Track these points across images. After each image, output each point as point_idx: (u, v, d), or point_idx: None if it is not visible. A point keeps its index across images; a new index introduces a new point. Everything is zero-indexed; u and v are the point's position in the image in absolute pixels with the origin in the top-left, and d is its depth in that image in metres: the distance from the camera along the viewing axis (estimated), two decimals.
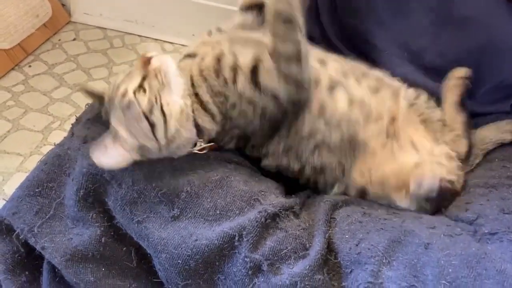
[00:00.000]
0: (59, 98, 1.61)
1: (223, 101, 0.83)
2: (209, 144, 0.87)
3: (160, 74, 0.79)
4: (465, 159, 0.94)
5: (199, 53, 0.88)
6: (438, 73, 0.95)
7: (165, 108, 0.78)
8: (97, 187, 0.81)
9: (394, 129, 0.91)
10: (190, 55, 0.90)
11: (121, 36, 1.94)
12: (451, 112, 0.95)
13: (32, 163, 1.37)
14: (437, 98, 0.96)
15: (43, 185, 0.86)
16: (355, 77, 0.90)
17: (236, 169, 0.88)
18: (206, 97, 0.82)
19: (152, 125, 0.77)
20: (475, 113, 0.96)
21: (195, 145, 0.85)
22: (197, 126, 0.83)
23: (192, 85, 0.84)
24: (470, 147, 0.94)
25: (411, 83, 0.96)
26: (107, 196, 0.81)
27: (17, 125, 1.49)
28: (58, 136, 1.46)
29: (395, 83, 0.95)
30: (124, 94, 0.77)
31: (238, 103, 0.83)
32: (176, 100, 0.80)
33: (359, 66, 0.93)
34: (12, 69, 1.71)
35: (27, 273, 0.89)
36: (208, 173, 0.84)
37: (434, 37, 0.91)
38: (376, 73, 0.94)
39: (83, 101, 1.57)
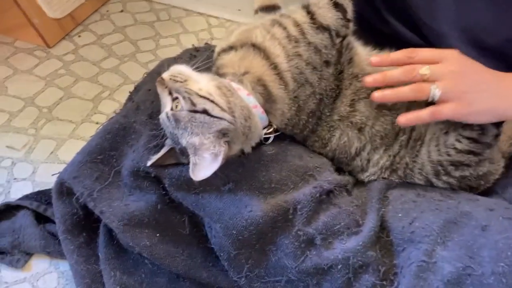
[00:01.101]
0: (108, 68, 1.64)
1: (298, 63, 0.82)
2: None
3: (176, 77, 0.79)
4: None
5: (243, 40, 0.86)
6: (500, 56, 0.92)
7: (201, 93, 0.77)
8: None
9: None
10: (227, 49, 0.88)
11: (167, 9, 1.95)
12: None
13: (83, 131, 1.41)
14: None
15: (105, 153, 0.88)
16: None
17: (291, 144, 0.89)
18: (284, 65, 0.82)
19: (204, 111, 0.76)
20: None
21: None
22: (268, 99, 0.83)
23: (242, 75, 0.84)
24: None
25: None
26: (162, 176, 0.83)
27: (68, 93, 1.53)
28: (107, 105, 1.49)
29: None
30: (168, 118, 0.77)
31: (309, 57, 0.82)
32: (206, 83, 0.79)
33: None
34: (63, 38, 1.74)
35: (84, 234, 0.93)
36: (264, 148, 0.85)
37: (490, 16, 0.88)
38: None
39: (132, 72, 1.62)
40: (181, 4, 1.96)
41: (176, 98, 0.77)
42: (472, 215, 0.74)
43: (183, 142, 0.76)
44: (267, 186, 0.81)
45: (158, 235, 0.85)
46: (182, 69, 0.81)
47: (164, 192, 0.85)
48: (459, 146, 0.82)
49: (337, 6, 0.83)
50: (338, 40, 0.84)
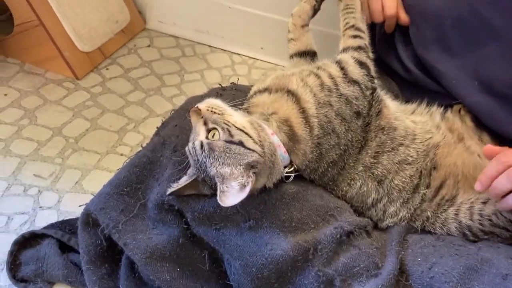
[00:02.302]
0: (133, 101, 1.69)
1: (328, 112, 0.86)
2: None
3: (214, 108, 0.82)
4: None
5: (279, 84, 0.91)
6: (507, 102, 0.94)
7: (237, 125, 0.80)
8: (177, 199, 0.85)
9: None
10: (262, 90, 0.93)
11: (193, 45, 2.01)
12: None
13: (107, 162, 1.44)
14: None
15: (131, 185, 0.91)
16: None
17: (311, 183, 0.91)
18: (313, 111, 0.86)
19: (240, 143, 0.79)
20: None
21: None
22: (292, 138, 0.86)
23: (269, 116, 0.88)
24: None
25: (481, 114, 0.97)
26: (185, 209, 0.85)
27: (94, 124, 1.57)
28: (132, 137, 1.53)
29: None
30: (202, 146, 0.79)
31: (340, 108, 0.86)
32: (240, 118, 0.83)
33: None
34: (91, 71, 1.80)
35: (106, 265, 0.95)
36: (285, 186, 0.87)
37: (506, 67, 0.91)
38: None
39: (157, 106, 1.67)
40: (206, 41, 2.02)
41: (213, 128, 0.80)
42: (493, 262, 0.74)
43: (212, 170, 0.78)
44: (287, 225, 0.82)
45: (178, 269, 0.86)
46: (218, 103, 0.85)
47: (186, 227, 0.87)
48: (495, 220, 0.83)
49: (362, 64, 0.90)
50: (368, 92, 0.89)
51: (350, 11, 0.97)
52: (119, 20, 1.94)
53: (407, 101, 1.04)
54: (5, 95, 1.65)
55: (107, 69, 1.83)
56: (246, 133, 0.80)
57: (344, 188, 0.90)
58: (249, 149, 0.78)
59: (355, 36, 0.94)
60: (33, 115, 1.58)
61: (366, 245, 0.82)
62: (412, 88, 1.03)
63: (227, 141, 0.78)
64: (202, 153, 0.79)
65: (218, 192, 0.77)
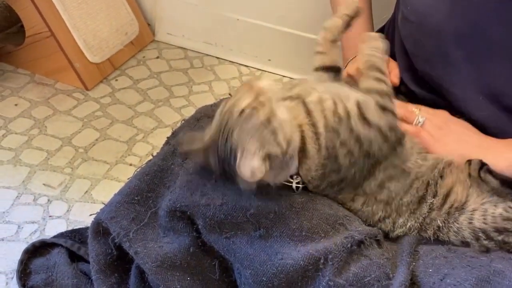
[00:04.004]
0: (142, 112, 1.70)
1: (333, 138, 0.84)
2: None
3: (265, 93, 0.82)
4: None
5: (298, 94, 0.90)
6: None
7: (278, 115, 0.80)
8: (189, 206, 0.85)
9: None
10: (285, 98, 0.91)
11: (201, 57, 2.03)
12: None
13: (117, 172, 1.45)
14: None
15: (142, 194, 0.91)
16: None
17: (319, 193, 0.91)
18: (321, 129, 0.85)
19: (272, 132, 0.79)
20: None
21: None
22: (302, 150, 0.85)
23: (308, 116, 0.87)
24: None
25: (490, 128, 0.97)
26: (196, 216, 0.85)
27: (104, 134, 1.59)
28: (141, 147, 1.54)
29: None
30: (241, 113, 0.79)
31: (347, 141, 0.84)
32: (284, 111, 0.83)
33: None
34: (101, 82, 1.82)
35: (116, 275, 0.95)
36: (294, 195, 0.87)
37: (507, 81, 0.91)
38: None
39: (165, 116, 1.69)
40: (214, 53, 2.04)
41: (255, 107, 0.80)
42: (505, 274, 0.74)
43: (235, 138, 0.78)
44: (298, 234, 0.82)
45: (188, 278, 0.86)
46: (272, 88, 0.85)
47: (197, 235, 0.87)
48: (505, 214, 0.83)
49: (385, 109, 0.86)
50: (393, 135, 0.86)
51: (374, 50, 0.94)
52: (128, 32, 1.96)
53: None
54: (16, 105, 1.67)
55: (116, 80, 1.85)
56: (282, 127, 0.80)
57: (348, 203, 0.90)
58: (277, 143, 0.78)
59: (379, 80, 0.90)
60: (43, 125, 1.60)
61: (377, 255, 0.81)
62: (417, 102, 1.03)
63: (263, 122, 0.78)
64: (236, 118, 0.78)
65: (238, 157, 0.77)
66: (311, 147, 0.85)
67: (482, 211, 0.84)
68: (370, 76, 0.91)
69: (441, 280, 0.75)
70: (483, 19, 0.89)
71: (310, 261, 0.78)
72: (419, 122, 0.97)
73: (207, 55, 2.03)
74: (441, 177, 0.88)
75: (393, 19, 1.19)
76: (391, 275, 0.78)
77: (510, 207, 0.83)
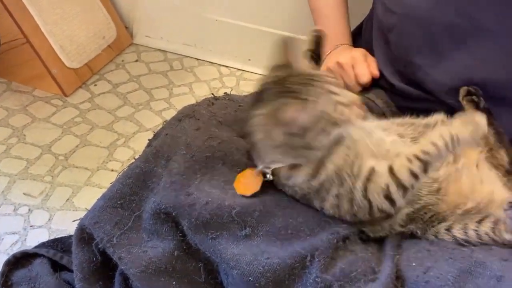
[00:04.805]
0: (123, 116, 1.68)
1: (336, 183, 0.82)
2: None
3: None
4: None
5: None
6: (503, 104, 0.95)
7: None
8: (174, 206, 0.84)
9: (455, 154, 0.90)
10: None
11: (180, 59, 2.01)
12: None
13: (98, 178, 1.43)
14: None
15: (125, 197, 0.90)
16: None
17: None
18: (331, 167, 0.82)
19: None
20: None
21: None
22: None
23: None
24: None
25: None
26: (182, 216, 0.84)
27: (84, 141, 1.56)
28: (123, 152, 1.53)
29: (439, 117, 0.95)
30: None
31: (342, 196, 0.82)
32: None
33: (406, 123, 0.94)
34: (80, 87, 1.80)
35: (101, 283, 0.93)
36: (279, 193, 0.87)
37: (499, 68, 0.91)
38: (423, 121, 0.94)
39: (146, 120, 1.67)
40: (193, 54, 2.03)
41: None
42: (486, 265, 0.74)
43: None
44: (283, 232, 0.82)
45: (174, 283, 0.85)
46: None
47: (181, 238, 0.86)
48: (492, 236, 0.81)
49: (388, 198, 0.81)
50: (378, 215, 0.82)
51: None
52: (106, 36, 1.94)
53: (398, 107, 1.05)
54: None
55: (95, 85, 1.83)
56: None
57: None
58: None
59: (426, 164, 0.80)
60: (21, 134, 1.57)
61: (362, 250, 0.81)
62: (401, 97, 1.03)
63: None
64: None
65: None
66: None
67: (463, 224, 0.83)
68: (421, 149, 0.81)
69: (424, 273, 0.76)
70: (471, 6, 0.90)
71: (296, 259, 0.78)
72: None
73: (187, 56, 2.02)
74: (429, 210, 0.86)
75: (372, 13, 1.19)
76: (376, 269, 0.79)
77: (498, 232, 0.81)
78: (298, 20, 1.78)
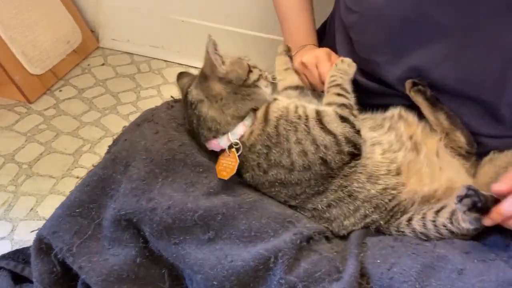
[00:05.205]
0: (89, 122, 1.65)
1: (290, 130, 0.88)
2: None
3: None
4: (471, 149, 0.96)
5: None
6: (460, 99, 0.95)
7: None
8: (135, 212, 0.83)
9: (415, 144, 0.95)
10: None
11: (148, 61, 1.99)
12: (430, 117, 0.97)
13: (64, 186, 1.40)
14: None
15: (84, 206, 0.88)
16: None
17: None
18: (276, 113, 0.90)
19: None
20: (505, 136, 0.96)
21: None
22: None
23: None
24: (467, 134, 0.96)
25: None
26: (143, 222, 0.83)
27: (49, 148, 1.53)
28: (88, 159, 1.49)
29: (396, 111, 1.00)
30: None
31: (303, 140, 0.86)
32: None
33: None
34: (44, 93, 1.76)
35: None
36: (242, 195, 0.86)
37: (457, 64, 0.92)
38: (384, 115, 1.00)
39: (113, 125, 1.64)
40: (161, 56, 2.00)
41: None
42: (448, 258, 0.75)
43: None
44: (247, 234, 0.81)
45: None
46: None
47: (144, 245, 0.85)
48: (450, 227, 0.82)
49: (344, 119, 0.89)
50: (347, 148, 0.87)
51: (340, 72, 0.99)
52: (70, 41, 1.91)
53: (362, 104, 1.05)
54: None
55: (60, 90, 1.79)
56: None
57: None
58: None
59: (339, 94, 0.94)
60: None
61: (326, 250, 0.81)
62: (365, 94, 1.03)
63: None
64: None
65: None
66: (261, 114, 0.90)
67: (421, 215, 0.85)
68: (332, 92, 0.96)
69: (389, 269, 0.76)
70: (427, 3, 0.90)
71: (260, 261, 0.77)
72: None
73: (154, 58, 2.00)
74: (392, 198, 0.88)
75: (334, 12, 1.20)
76: (341, 268, 0.78)
77: (456, 222, 0.82)
78: (264, 19, 1.78)
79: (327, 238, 0.85)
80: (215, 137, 0.90)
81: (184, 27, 1.93)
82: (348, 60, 1.01)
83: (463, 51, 0.89)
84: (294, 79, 1.10)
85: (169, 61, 1.99)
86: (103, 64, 1.95)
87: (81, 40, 1.96)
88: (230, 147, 0.90)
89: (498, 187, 0.75)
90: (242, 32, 1.87)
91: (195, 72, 0.99)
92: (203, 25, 1.90)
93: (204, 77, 0.92)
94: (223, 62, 0.92)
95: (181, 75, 1.03)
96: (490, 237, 0.82)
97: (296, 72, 1.12)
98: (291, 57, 1.15)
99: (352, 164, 0.88)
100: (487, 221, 0.76)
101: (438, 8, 0.88)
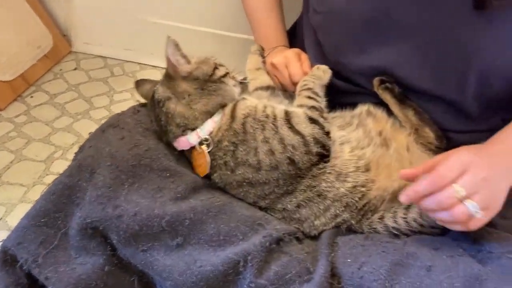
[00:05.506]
0: (61, 128, 1.62)
1: (258, 128, 0.87)
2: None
3: None
4: (441, 144, 0.96)
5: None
6: (426, 97, 0.96)
7: None
8: (101, 220, 0.81)
9: (385, 139, 0.95)
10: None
11: (121, 64, 1.97)
12: (399, 113, 0.97)
13: (35, 194, 1.37)
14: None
15: (49, 215, 0.86)
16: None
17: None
18: (239, 113, 0.90)
19: None
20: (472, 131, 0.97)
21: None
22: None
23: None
24: (436, 129, 0.96)
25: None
26: (110, 230, 0.81)
27: (19, 155, 1.50)
28: (61, 165, 1.47)
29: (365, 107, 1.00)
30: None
31: (270, 139, 0.86)
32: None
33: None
34: (15, 100, 1.72)
35: None
36: (211, 199, 0.85)
37: (420, 63, 0.92)
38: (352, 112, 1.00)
39: (85, 130, 1.61)
40: (134, 59, 1.99)
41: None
42: (417, 255, 0.75)
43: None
44: (216, 239, 0.80)
45: None
46: None
47: (112, 252, 0.83)
48: (420, 221, 0.82)
49: (313, 121, 0.90)
50: (315, 149, 0.87)
51: (313, 78, 1.00)
52: (41, 45, 1.88)
53: (332, 103, 1.05)
54: None
55: (31, 96, 1.76)
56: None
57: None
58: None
59: (310, 97, 0.95)
60: None
61: (296, 251, 0.80)
62: (334, 93, 1.03)
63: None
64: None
65: None
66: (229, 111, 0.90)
67: (392, 212, 0.85)
68: (303, 95, 0.96)
69: (359, 269, 0.75)
70: (387, 1, 0.89)
71: (229, 265, 0.76)
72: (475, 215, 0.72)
73: (128, 61, 1.98)
74: (362, 196, 0.88)
75: (303, 13, 1.19)
76: (311, 269, 0.78)
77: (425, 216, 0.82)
78: (237, 19, 1.77)
79: (298, 239, 0.84)
80: (184, 133, 0.90)
81: (157, 29, 1.91)
82: (324, 67, 1.02)
83: (425, 50, 0.89)
84: (265, 79, 1.10)
85: (142, 64, 1.97)
86: (75, 69, 1.92)
87: (53, 44, 1.93)
88: (201, 144, 0.89)
89: (404, 171, 0.77)
90: (215, 33, 1.86)
91: None
92: (176, 27, 1.88)
93: (169, 76, 0.92)
94: (188, 61, 0.91)
95: (140, 82, 1.03)
96: (457, 232, 0.81)
97: (268, 73, 1.12)
98: (263, 57, 1.14)
99: (320, 166, 0.88)
100: (402, 197, 0.75)
101: (400, 7, 0.88)
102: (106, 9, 1.94)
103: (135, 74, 1.91)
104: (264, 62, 1.14)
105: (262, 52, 1.15)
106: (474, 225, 0.72)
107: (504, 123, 0.84)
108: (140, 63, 1.96)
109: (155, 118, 0.93)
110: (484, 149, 0.78)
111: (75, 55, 2.00)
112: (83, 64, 1.95)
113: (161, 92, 0.92)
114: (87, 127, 1.62)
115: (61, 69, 1.91)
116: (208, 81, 0.92)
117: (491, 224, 0.81)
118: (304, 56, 1.10)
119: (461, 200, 0.71)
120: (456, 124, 0.97)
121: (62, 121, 1.65)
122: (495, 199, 0.73)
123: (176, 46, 0.91)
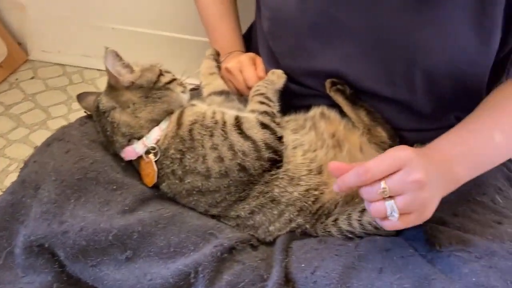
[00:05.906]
0: (16, 140, 1.58)
1: (205, 135, 0.86)
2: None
3: None
4: (394, 144, 0.95)
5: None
6: (377, 97, 0.96)
7: None
8: (46, 237, 0.79)
9: (338, 141, 0.94)
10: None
11: (80, 71, 1.92)
12: (351, 114, 0.97)
13: None
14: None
15: None
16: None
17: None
18: (186, 119, 0.88)
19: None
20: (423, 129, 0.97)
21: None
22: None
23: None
24: (388, 129, 0.97)
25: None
26: (56, 247, 0.79)
27: None
28: (15, 179, 1.42)
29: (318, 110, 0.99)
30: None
31: (219, 146, 0.84)
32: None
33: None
34: None
35: None
36: (160, 211, 0.83)
37: (367, 64, 0.92)
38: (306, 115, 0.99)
39: (42, 141, 1.55)
40: (94, 65, 1.95)
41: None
42: (368, 258, 0.74)
43: None
44: (166, 251, 0.78)
45: None
46: None
47: (60, 269, 0.80)
48: (376, 224, 0.79)
49: (264, 126, 0.88)
50: (267, 154, 0.86)
51: (266, 83, 0.99)
52: None
53: (287, 106, 1.04)
54: None
55: None
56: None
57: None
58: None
59: (262, 103, 0.94)
60: None
61: (250, 259, 0.79)
62: (288, 96, 1.02)
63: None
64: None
65: None
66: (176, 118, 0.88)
67: (347, 215, 0.83)
68: (256, 100, 0.95)
69: (312, 273, 0.75)
70: (330, 4, 0.89)
71: (180, 277, 0.75)
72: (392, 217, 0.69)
73: (87, 68, 1.94)
74: (316, 200, 0.87)
75: (256, 18, 1.18)
76: (265, 276, 0.77)
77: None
78: (195, 23, 1.74)
79: (252, 246, 0.83)
80: (130, 142, 0.88)
81: (115, 34, 1.88)
82: (279, 72, 1.01)
83: (372, 51, 0.89)
84: (219, 84, 1.08)
85: (102, 70, 1.93)
86: (32, 78, 1.87)
87: (7, 53, 1.87)
88: (148, 153, 0.87)
89: (333, 163, 0.72)
90: (173, 36, 1.84)
91: None
92: (134, 31, 1.85)
93: (112, 87, 0.89)
94: (131, 70, 0.89)
95: (82, 96, 1.00)
96: (411, 232, 0.81)
97: (223, 78, 1.10)
98: (218, 62, 1.13)
99: (273, 172, 0.86)
100: (334, 187, 0.73)
101: (343, 10, 0.88)
102: (62, 16, 1.90)
103: (94, 81, 1.87)
104: (219, 67, 1.12)
105: (216, 57, 1.14)
106: (387, 226, 0.69)
107: (458, 121, 0.84)
108: (99, 70, 1.92)
109: (101, 129, 0.90)
110: (426, 153, 0.74)
111: (32, 64, 1.95)
112: (41, 73, 1.90)
113: (105, 102, 0.89)
114: (44, 138, 1.56)
115: (17, 79, 1.86)
116: (153, 88, 0.89)
117: (442, 222, 0.82)
118: (259, 60, 1.09)
119: (384, 198, 0.67)
120: (409, 123, 0.97)
121: (17, 132, 1.60)
122: (424, 205, 0.68)
123: (116, 56, 0.88)
